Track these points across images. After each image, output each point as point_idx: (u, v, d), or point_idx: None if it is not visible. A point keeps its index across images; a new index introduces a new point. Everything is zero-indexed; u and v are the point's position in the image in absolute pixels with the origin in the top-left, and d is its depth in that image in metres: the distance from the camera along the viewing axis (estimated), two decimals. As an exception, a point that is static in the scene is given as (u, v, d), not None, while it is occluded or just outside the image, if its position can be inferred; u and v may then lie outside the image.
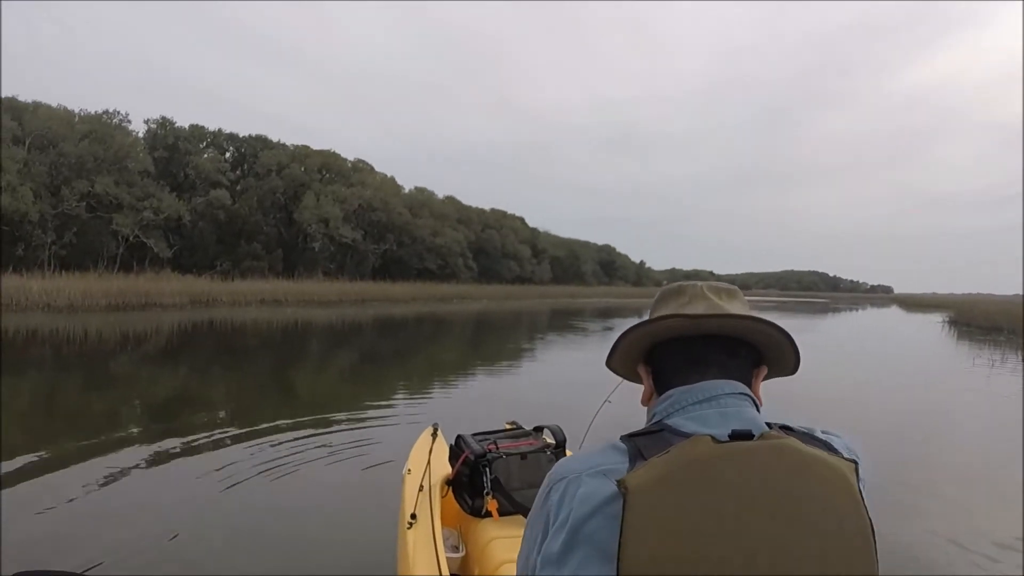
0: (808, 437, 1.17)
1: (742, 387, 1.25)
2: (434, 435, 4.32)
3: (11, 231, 36.84)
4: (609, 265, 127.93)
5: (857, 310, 78.31)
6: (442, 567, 2.85)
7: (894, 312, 74.43)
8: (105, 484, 6.08)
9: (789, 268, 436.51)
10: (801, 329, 39.58)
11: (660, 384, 1.31)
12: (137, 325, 23.79)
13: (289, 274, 50.61)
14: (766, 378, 1.36)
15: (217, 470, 6.59)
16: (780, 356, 1.32)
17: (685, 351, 1.28)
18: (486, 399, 11.54)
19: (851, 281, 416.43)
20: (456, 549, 3.41)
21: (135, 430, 8.42)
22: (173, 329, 23.43)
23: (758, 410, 1.24)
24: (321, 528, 5.14)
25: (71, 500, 5.61)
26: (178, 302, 33.18)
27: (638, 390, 1.39)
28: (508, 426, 4.24)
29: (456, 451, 3.61)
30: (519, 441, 3.70)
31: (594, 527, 1.08)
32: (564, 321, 36.60)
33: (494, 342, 25.31)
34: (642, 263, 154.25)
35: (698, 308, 1.29)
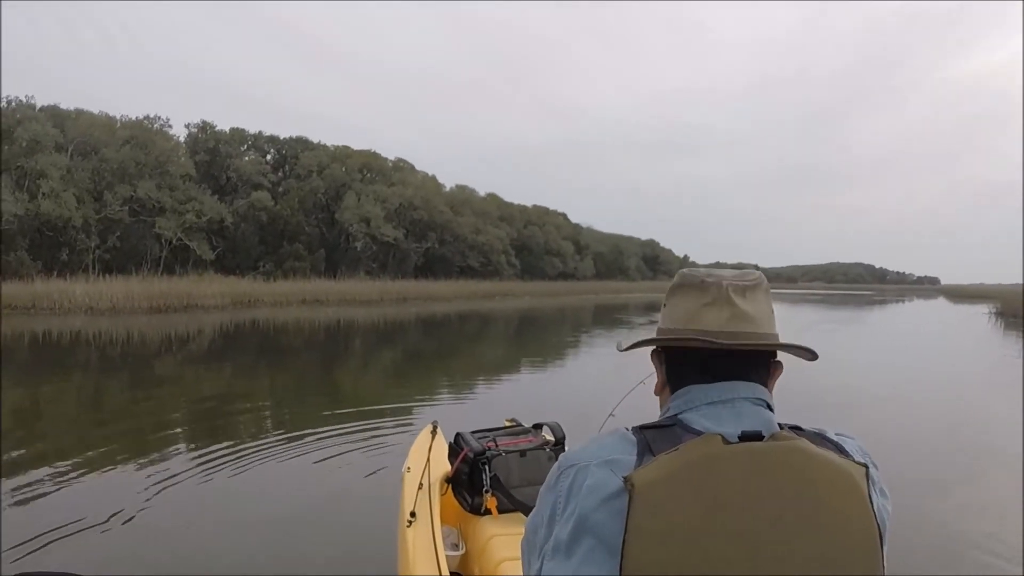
0: (819, 438, 1.16)
1: (761, 390, 1.23)
2: (433, 433, 4.27)
3: (55, 236, 37.18)
4: (653, 260, 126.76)
5: (903, 302, 77.80)
6: (441, 565, 2.86)
7: (940, 303, 73.71)
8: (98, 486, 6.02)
9: (835, 260, 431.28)
10: (847, 321, 39.19)
11: (673, 378, 1.29)
12: (177, 326, 23.93)
13: (332, 274, 50.51)
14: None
15: (225, 466, 6.70)
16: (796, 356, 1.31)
17: (702, 361, 1.24)
18: (526, 396, 11.50)
19: (897, 272, 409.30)
20: (456, 547, 3.39)
21: (157, 432, 8.36)
22: (209, 330, 23.47)
23: (772, 412, 1.22)
24: (323, 525, 5.18)
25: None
26: (219, 303, 33.12)
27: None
28: (508, 423, 4.27)
29: (455, 449, 3.64)
30: (518, 439, 3.72)
31: (600, 519, 1.07)
32: (609, 316, 36.49)
33: (536, 339, 25.13)
34: (686, 257, 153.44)
35: (720, 315, 1.24)
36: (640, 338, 1.34)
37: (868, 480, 1.10)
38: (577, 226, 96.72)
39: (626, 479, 1.05)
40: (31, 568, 4.30)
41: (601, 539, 1.06)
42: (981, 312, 47.36)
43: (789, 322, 38.60)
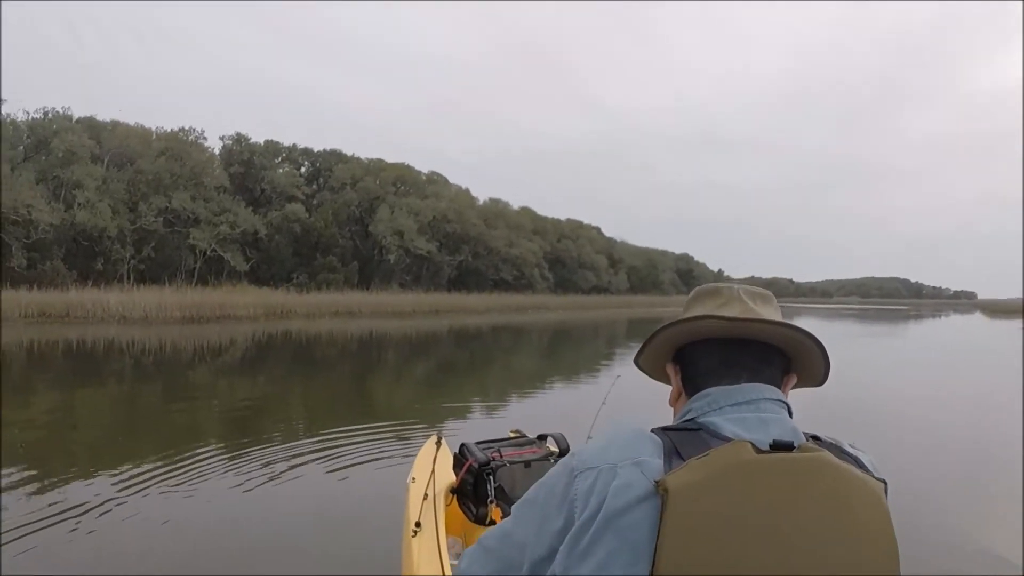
0: (838, 451, 1.17)
1: (780, 393, 1.25)
2: (438, 444, 4.25)
3: (91, 246, 37.35)
4: (687, 274, 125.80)
5: (939, 317, 77.07)
6: (447, 574, 2.81)
7: (976, 319, 72.99)
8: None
9: (870, 275, 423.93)
10: (880, 335, 38.73)
11: (690, 384, 1.30)
12: (209, 336, 23.87)
13: (365, 286, 50.36)
14: (794, 387, 1.35)
15: (230, 473, 6.72)
16: (811, 365, 1.32)
17: (719, 352, 1.28)
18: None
19: (934, 287, 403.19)
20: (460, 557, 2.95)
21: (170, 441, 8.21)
22: (241, 341, 23.39)
23: (791, 416, 1.23)
24: (328, 536, 5.15)
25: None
26: (252, 314, 33.00)
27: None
28: (512, 434, 4.19)
29: (460, 459, 3.60)
30: (523, 449, 3.70)
31: (629, 522, 1.06)
32: (643, 329, 36.05)
33: (566, 352, 24.84)
34: (720, 271, 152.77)
35: (733, 311, 1.28)
36: (674, 324, 1.30)
37: (886, 497, 1.13)
38: (611, 240, 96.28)
39: (658, 483, 1.05)
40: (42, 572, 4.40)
41: (626, 541, 1.05)
42: (1016, 327, 46.68)
43: (823, 334, 38.18)
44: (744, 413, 1.18)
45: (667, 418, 1.31)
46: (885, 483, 1.15)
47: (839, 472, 1.08)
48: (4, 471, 6.54)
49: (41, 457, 7.41)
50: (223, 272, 44.18)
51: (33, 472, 6.61)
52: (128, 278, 38.32)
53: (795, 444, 1.10)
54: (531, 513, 1.20)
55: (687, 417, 1.23)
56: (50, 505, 5.60)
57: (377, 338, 26.91)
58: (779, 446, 1.09)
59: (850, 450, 1.20)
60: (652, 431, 1.17)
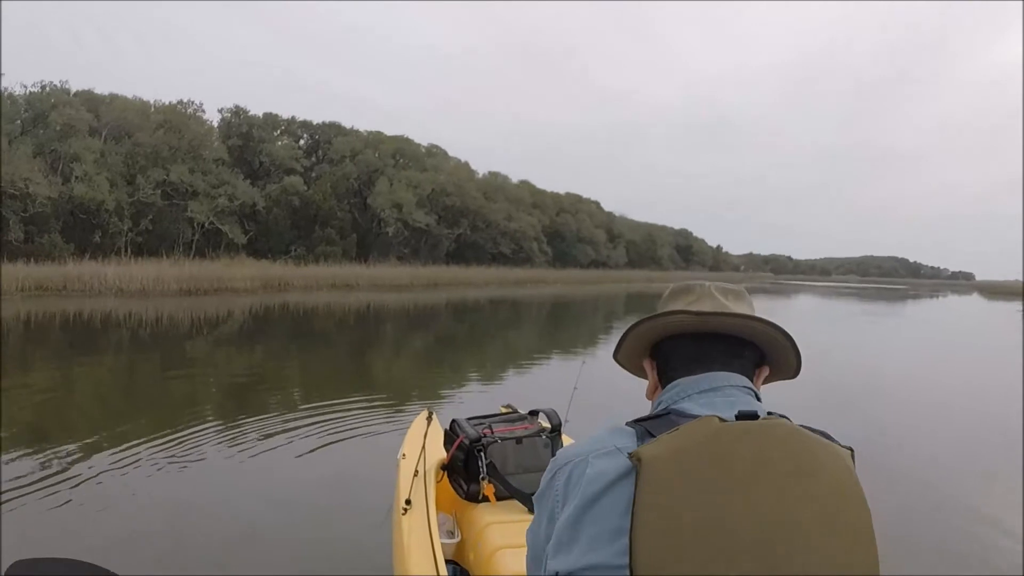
0: (805, 427, 1.20)
1: (746, 380, 1.30)
2: (429, 419, 4.26)
3: (88, 219, 37.27)
4: (686, 250, 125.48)
5: (937, 297, 77.46)
6: (437, 553, 2.82)
7: (974, 299, 73.50)
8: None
9: (869, 253, 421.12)
10: (879, 314, 38.73)
11: (664, 377, 1.36)
12: (207, 309, 24.03)
13: (363, 259, 50.34)
14: (767, 380, 1.40)
15: (218, 448, 6.75)
16: (782, 358, 1.37)
17: (691, 346, 1.34)
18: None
19: (932, 267, 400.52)
20: (452, 534, 3.37)
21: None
22: (238, 314, 23.52)
23: (760, 402, 1.28)
24: (317, 513, 5.12)
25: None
26: (250, 287, 33.01)
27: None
28: (504, 410, 4.22)
29: (451, 436, 3.59)
30: (514, 425, 3.68)
31: (606, 504, 1.10)
32: (641, 304, 36.15)
33: (563, 327, 24.98)
34: (719, 247, 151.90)
35: (704, 306, 1.35)
36: (647, 319, 1.37)
37: (853, 463, 1.17)
38: (610, 214, 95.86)
39: (631, 455, 1.09)
40: (42, 554, 4.34)
41: (605, 523, 1.08)
42: (1015, 310, 46.85)
43: (822, 314, 38.29)
44: (712, 398, 1.25)
45: (643, 407, 1.39)
46: (852, 450, 1.18)
47: (803, 435, 1.12)
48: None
49: (32, 427, 7.53)
50: (221, 245, 44.06)
51: (24, 444, 6.66)
52: (126, 251, 38.25)
53: (759, 415, 1.15)
54: (536, 512, 1.27)
55: (659, 407, 1.30)
56: (36, 476, 5.68)
57: (375, 311, 27.05)
58: (744, 416, 1.13)
59: (816, 428, 1.22)
60: (626, 424, 1.22)
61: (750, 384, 1.30)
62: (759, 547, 1.00)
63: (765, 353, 1.37)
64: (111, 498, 5.29)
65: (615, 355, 1.45)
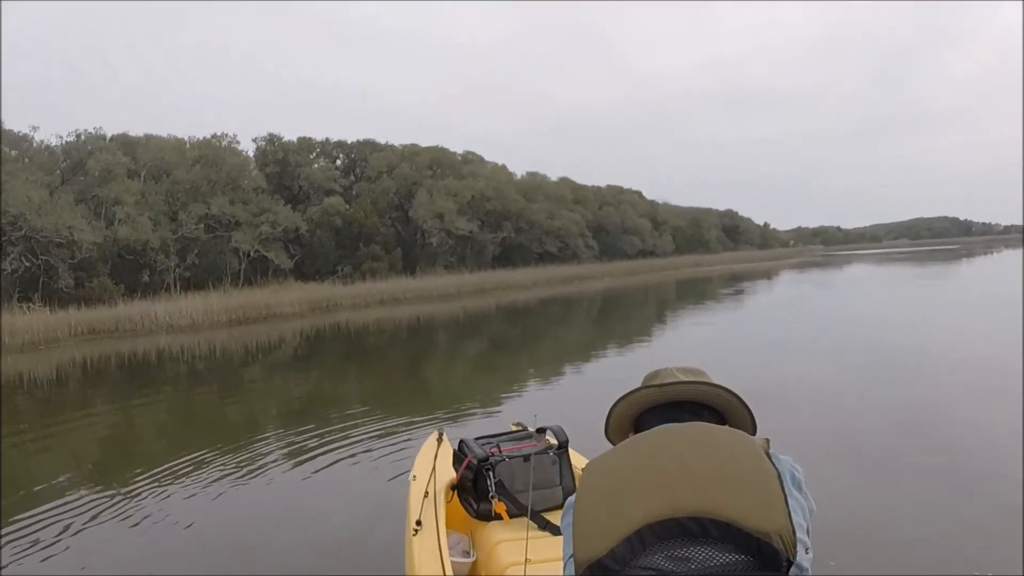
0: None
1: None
2: (439, 440, 4.27)
3: (135, 259, 37.66)
4: (733, 230, 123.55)
5: (991, 254, 75.71)
6: (447, 572, 2.84)
7: None
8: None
9: (919, 216, 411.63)
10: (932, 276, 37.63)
11: None
12: (258, 336, 24.08)
13: (410, 271, 50.18)
14: None
15: (223, 476, 6.86)
16: (737, 415, 1.66)
17: (661, 414, 1.64)
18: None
19: (983, 224, 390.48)
20: (467, 554, 3.37)
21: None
22: (286, 339, 23.45)
23: None
24: (330, 535, 5.19)
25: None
26: (298, 311, 32.82)
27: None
28: (513, 428, 4.26)
29: (459, 456, 3.65)
30: (522, 443, 3.73)
31: (567, 520, 1.44)
32: (693, 289, 35.63)
33: (612, 323, 24.25)
34: (766, 224, 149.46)
35: (668, 379, 1.66)
36: (621, 398, 1.70)
37: (769, 451, 1.39)
38: (653, 202, 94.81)
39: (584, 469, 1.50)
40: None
41: (568, 538, 1.40)
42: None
43: (876, 278, 37.22)
44: None
45: None
46: (768, 440, 1.44)
47: (719, 429, 1.47)
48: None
49: (98, 464, 8.10)
50: (268, 271, 44.37)
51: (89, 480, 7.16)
52: (175, 287, 38.65)
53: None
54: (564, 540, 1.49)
55: None
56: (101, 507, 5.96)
57: (425, 322, 26.79)
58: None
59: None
60: None
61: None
62: (663, 491, 1.30)
63: (723, 414, 1.66)
64: (175, 517, 5.65)
65: (605, 433, 1.75)
